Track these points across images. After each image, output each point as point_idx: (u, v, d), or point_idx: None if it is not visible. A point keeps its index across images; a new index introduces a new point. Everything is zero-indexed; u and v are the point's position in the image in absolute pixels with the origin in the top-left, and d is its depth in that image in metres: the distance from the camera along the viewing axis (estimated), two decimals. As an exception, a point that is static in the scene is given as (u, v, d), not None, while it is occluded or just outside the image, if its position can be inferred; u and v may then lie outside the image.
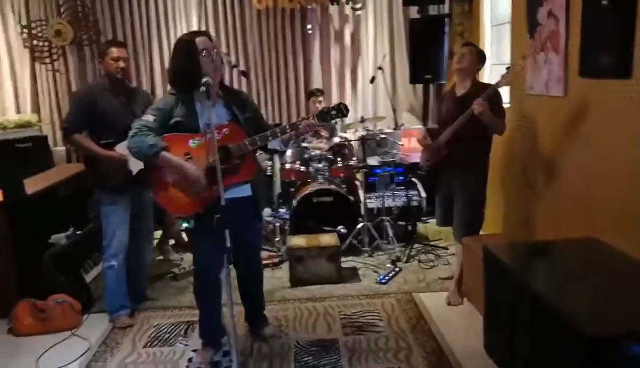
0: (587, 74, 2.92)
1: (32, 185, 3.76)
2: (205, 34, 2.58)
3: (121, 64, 3.18)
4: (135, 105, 3.20)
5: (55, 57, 5.47)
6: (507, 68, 3.17)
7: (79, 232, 3.90)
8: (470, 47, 3.36)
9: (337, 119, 2.64)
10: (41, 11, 5.38)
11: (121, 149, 3.08)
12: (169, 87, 2.73)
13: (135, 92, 3.35)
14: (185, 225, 2.54)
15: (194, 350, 2.95)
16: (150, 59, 5.58)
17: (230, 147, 2.51)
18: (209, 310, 2.86)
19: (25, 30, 5.37)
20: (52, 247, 3.64)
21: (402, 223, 4.66)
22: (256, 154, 2.84)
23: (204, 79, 2.32)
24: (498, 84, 3.11)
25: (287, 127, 2.56)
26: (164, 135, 2.51)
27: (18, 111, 5.54)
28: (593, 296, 2.16)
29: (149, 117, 2.53)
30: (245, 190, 2.64)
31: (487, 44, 4.61)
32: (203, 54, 2.45)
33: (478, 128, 3.15)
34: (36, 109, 5.58)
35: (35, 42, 5.42)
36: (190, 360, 2.87)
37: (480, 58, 3.33)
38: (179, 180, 2.52)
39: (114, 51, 3.16)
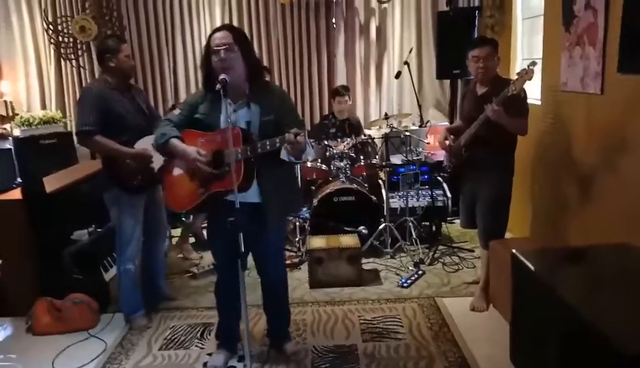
0: (626, 69, 2.72)
1: (55, 181, 3.75)
2: (226, 28, 2.42)
3: (132, 61, 3.14)
4: (140, 102, 3.15)
5: (80, 53, 5.48)
6: (529, 65, 2.89)
7: (99, 230, 3.89)
8: (484, 50, 3.08)
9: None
10: (67, 7, 5.39)
11: (142, 145, 3.04)
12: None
13: (135, 89, 3.25)
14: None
15: (209, 354, 2.89)
16: (173, 54, 5.54)
17: (225, 153, 2.40)
18: (226, 311, 2.79)
19: (51, 26, 5.39)
20: (73, 244, 3.63)
21: (427, 223, 4.52)
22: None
23: (220, 77, 2.23)
24: (508, 91, 2.84)
25: (277, 141, 2.32)
26: (185, 130, 2.51)
27: (44, 107, 5.59)
28: (629, 308, 2.00)
29: (176, 111, 2.60)
30: (250, 196, 2.47)
31: (518, 38, 4.40)
32: (213, 50, 2.34)
33: (497, 128, 2.96)
34: (61, 105, 5.62)
35: (60, 38, 5.44)
36: (205, 364, 2.81)
37: (496, 51, 3.12)
38: (183, 171, 2.53)
39: (125, 48, 3.06)
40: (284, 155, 2.37)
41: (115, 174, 3.05)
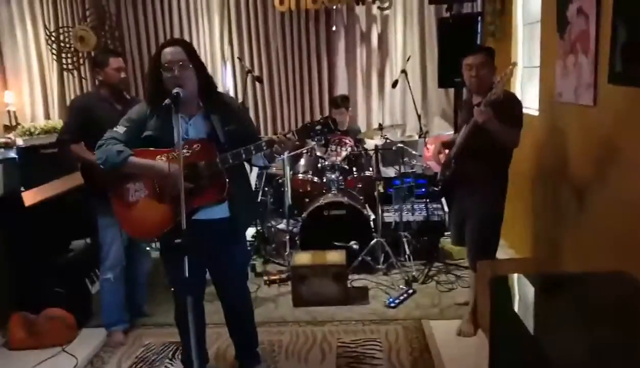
0: (617, 80, 2.52)
1: (43, 192, 3.75)
2: (179, 43, 2.34)
3: (123, 74, 3.13)
4: None
5: (81, 62, 5.52)
6: (510, 66, 2.75)
7: (88, 242, 3.87)
8: (477, 58, 2.90)
9: (322, 136, 2.37)
10: (68, 18, 5.44)
11: None
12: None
13: (131, 102, 3.20)
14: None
15: (176, 376, 2.80)
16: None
17: (199, 165, 2.30)
18: (190, 336, 2.69)
19: (52, 37, 5.44)
20: (64, 256, 3.62)
21: (426, 238, 4.33)
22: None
23: (174, 91, 2.16)
24: (491, 95, 2.66)
25: (264, 144, 2.31)
26: (134, 149, 2.36)
27: (47, 117, 5.65)
28: (602, 352, 1.80)
29: (119, 129, 2.38)
30: (220, 211, 2.39)
31: (519, 44, 4.20)
32: (165, 66, 2.24)
33: (487, 139, 2.77)
34: (64, 115, 5.65)
35: (61, 48, 5.48)
36: (170, 386, 2.73)
37: (491, 59, 2.94)
38: (147, 193, 2.38)
39: (115, 61, 3.09)
40: (257, 159, 2.39)
41: (91, 183, 3.13)
